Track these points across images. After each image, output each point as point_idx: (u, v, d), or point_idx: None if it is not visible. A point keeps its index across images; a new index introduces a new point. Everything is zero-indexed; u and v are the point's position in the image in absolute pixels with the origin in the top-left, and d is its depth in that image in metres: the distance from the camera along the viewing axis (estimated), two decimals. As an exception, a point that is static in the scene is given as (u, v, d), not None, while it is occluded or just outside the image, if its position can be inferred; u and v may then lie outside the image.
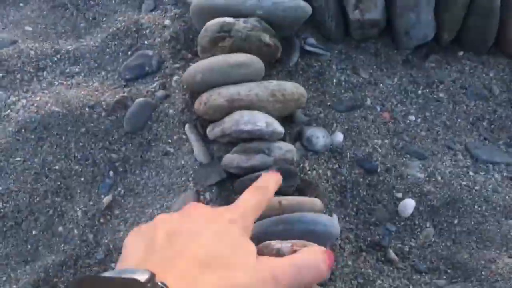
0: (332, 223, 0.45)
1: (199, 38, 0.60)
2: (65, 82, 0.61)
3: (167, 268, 0.29)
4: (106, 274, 0.27)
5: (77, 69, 0.63)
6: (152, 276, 0.26)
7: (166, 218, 0.36)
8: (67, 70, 0.63)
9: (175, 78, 0.61)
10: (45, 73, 0.62)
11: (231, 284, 0.30)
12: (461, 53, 0.67)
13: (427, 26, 0.62)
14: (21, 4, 0.72)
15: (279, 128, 0.50)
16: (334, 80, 0.63)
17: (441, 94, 0.63)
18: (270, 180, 0.42)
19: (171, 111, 0.58)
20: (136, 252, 0.32)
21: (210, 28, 0.57)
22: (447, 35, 0.66)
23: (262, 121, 0.50)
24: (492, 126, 0.62)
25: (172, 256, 0.30)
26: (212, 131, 0.53)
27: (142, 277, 0.26)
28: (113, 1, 0.72)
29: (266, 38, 0.57)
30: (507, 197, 0.54)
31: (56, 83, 0.61)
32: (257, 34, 0.56)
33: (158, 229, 0.34)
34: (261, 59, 0.57)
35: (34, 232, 0.52)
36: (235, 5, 0.57)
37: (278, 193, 0.45)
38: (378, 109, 0.62)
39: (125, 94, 0.58)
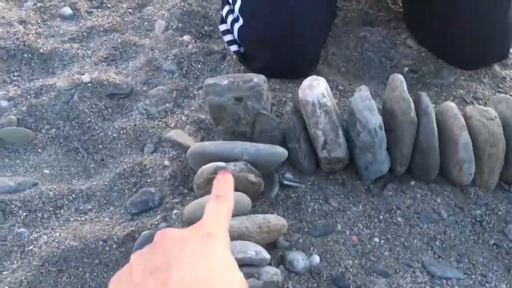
0: None
1: (195, 178, 0.72)
2: (79, 219, 0.71)
3: None
4: None
5: (89, 206, 0.74)
6: None
7: (139, 256, 0.33)
8: (81, 208, 0.73)
9: (174, 211, 0.72)
10: (62, 211, 0.72)
11: None
12: (413, 182, 0.80)
13: (381, 163, 0.76)
14: (39, 150, 0.84)
15: (266, 255, 0.60)
16: (309, 209, 0.74)
17: (399, 219, 0.75)
18: (225, 185, 0.42)
19: (172, 241, 0.68)
20: None
21: (205, 171, 0.69)
22: (400, 168, 0.80)
23: (252, 250, 0.60)
24: (444, 245, 0.73)
25: None
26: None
27: None
28: (119, 145, 0.85)
29: (252, 177, 0.70)
30: (461, 308, 0.64)
31: (72, 219, 0.71)
32: (244, 175, 0.69)
33: (133, 270, 0.32)
34: (248, 194, 0.69)
35: None
36: (225, 152, 0.70)
37: None
38: (348, 233, 0.73)
39: (133, 228, 0.68)
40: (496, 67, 1.09)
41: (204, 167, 0.70)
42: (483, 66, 1.07)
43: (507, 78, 1.06)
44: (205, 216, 0.38)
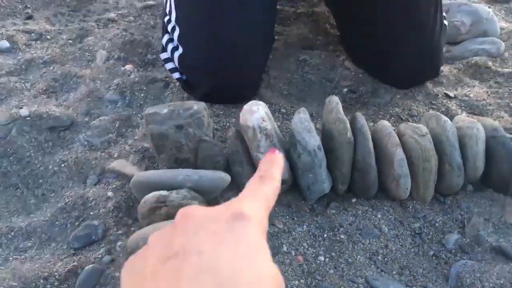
0: None
1: (139, 208, 0.71)
2: (19, 257, 0.69)
3: None
4: None
5: (29, 244, 0.71)
6: None
7: (157, 237, 0.29)
8: (21, 245, 0.71)
9: (119, 243, 0.71)
10: (0, 250, 0.70)
11: None
12: (354, 199, 0.83)
13: (322, 183, 0.79)
14: (-24, 188, 0.81)
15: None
16: (255, 232, 0.75)
17: (342, 236, 0.77)
18: (272, 165, 0.35)
19: (117, 273, 0.67)
20: None
21: (148, 200, 0.69)
22: (341, 187, 0.82)
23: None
24: (386, 259, 0.76)
25: None
26: None
27: None
28: (61, 179, 0.83)
29: (196, 204, 0.70)
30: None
31: (11, 258, 0.68)
32: (188, 202, 0.69)
33: (148, 256, 0.27)
34: (192, 221, 0.69)
35: None
36: (167, 180, 0.71)
37: None
38: (293, 253, 0.74)
39: (75, 263, 0.67)
40: (429, 85, 1.15)
41: (147, 196, 0.70)
42: (416, 85, 1.12)
43: (439, 95, 1.12)
44: (242, 196, 0.31)
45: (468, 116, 1.04)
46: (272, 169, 0.35)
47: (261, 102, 0.80)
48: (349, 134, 0.78)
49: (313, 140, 0.76)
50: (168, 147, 0.76)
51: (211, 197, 0.75)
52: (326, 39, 1.29)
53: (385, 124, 0.82)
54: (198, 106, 0.75)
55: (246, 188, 0.33)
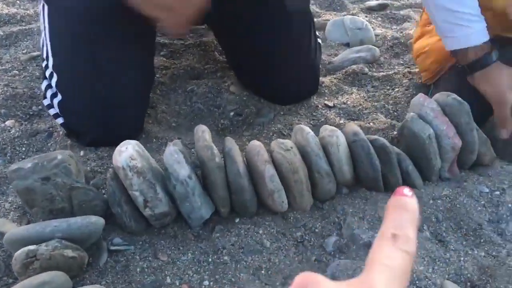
0: None
1: (12, 266, 0.71)
2: None
3: None
4: None
5: None
6: None
7: None
8: None
9: (-3, 305, 0.70)
10: None
11: None
12: (237, 219, 0.86)
13: (199, 209, 0.81)
14: None
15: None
16: (138, 269, 0.77)
17: (225, 257, 0.80)
18: (404, 214, 0.28)
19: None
20: None
21: (18, 257, 0.69)
22: (223, 210, 0.85)
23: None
24: (269, 272, 0.79)
25: None
26: None
27: None
28: None
29: (69, 252, 0.71)
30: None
31: None
32: (60, 252, 0.70)
33: None
34: (71, 270, 0.70)
35: None
36: (37, 234, 0.71)
37: None
38: (178, 283, 0.76)
39: None
40: (312, 98, 1.22)
41: (16, 253, 0.70)
42: (299, 100, 1.19)
43: (319, 106, 1.19)
44: (374, 266, 0.26)
45: (346, 122, 1.12)
46: (406, 223, 0.28)
47: (132, 141, 0.83)
48: (218, 159, 0.82)
49: (183, 171, 0.79)
50: (38, 200, 0.76)
51: (89, 243, 0.76)
52: (214, 66, 1.34)
53: (254, 143, 0.87)
54: (62, 155, 0.76)
55: (377, 250, 0.27)
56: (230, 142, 0.85)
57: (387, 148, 0.90)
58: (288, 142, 0.86)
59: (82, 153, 0.99)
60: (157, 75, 1.28)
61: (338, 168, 0.87)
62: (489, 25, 0.99)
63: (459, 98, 0.93)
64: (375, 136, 0.93)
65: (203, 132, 0.83)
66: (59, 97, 0.98)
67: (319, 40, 1.24)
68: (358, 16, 1.66)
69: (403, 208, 0.29)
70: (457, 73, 1.10)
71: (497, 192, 0.92)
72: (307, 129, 0.88)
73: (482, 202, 0.90)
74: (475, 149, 0.94)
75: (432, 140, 0.90)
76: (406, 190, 0.30)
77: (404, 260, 0.26)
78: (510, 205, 0.89)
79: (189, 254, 0.81)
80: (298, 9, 1.12)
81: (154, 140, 1.06)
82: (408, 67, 1.36)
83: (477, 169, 0.98)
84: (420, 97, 0.96)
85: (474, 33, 0.98)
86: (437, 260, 0.80)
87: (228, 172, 0.82)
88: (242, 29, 1.13)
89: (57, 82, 0.98)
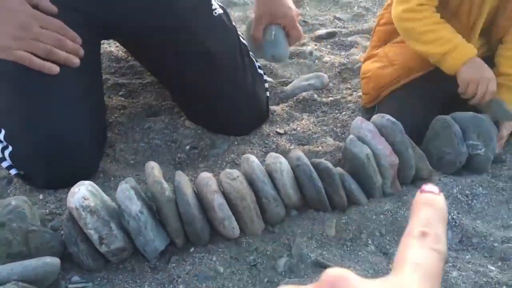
0: None
1: (-28, 312, 0.73)
2: None
3: None
4: None
5: None
6: None
7: None
8: None
9: None
10: None
11: None
12: (192, 249, 0.91)
13: (153, 241, 0.85)
14: None
15: None
16: (96, 305, 0.80)
17: (180, 286, 0.84)
18: (432, 211, 0.27)
19: None
20: None
21: (-25, 302, 0.72)
22: (178, 240, 0.89)
23: None
24: (223, 296, 0.83)
25: None
26: None
27: None
28: None
29: (26, 294, 0.74)
30: None
31: None
32: (17, 294, 0.73)
33: None
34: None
35: None
36: (-7, 278, 0.74)
37: None
38: (134, 315, 0.79)
39: None
40: (264, 126, 1.28)
41: (-27, 299, 0.72)
42: (247, 131, 1.24)
43: (271, 133, 1.25)
44: (405, 265, 0.24)
45: (296, 148, 1.18)
46: (434, 220, 0.26)
47: (86, 182, 0.87)
48: (168, 192, 0.86)
49: (135, 206, 0.84)
50: (-5, 246, 0.79)
51: (47, 283, 0.79)
52: (171, 103, 1.39)
53: (203, 175, 0.92)
54: (16, 201, 0.80)
55: (405, 249, 0.25)
56: (179, 176, 0.90)
57: (330, 170, 0.96)
58: (235, 172, 0.91)
59: (41, 196, 1.02)
60: (115, 115, 1.33)
61: (284, 192, 0.92)
62: None
63: (393, 119, 1.00)
64: (320, 160, 0.99)
65: (152, 169, 0.88)
66: (10, 148, 1.00)
67: (261, 71, 1.31)
68: (308, 45, 1.75)
69: (431, 205, 0.27)
70: (397, 97, 1.20)
71: (435, 203, 0.98)
72: (252, 158, 0.94)
73: (422, 214, 0.96)
74: (412, 164, 1.01)
75: (370, 159, 0.97)
76: (432, 187, 0.28)
77: (436, 260, 0.25)
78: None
79: (146, 286, 0.84)
80: (224, 48, 1.20)
81: (112, 178, 1.10)
82: (355, 91, 1.44)
83: (417, 183, 1.05)
84: (358, 120, 1.03)
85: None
86: (380, 272, 0.86)
87: (178, 204, 0.87)
88: (172, 73, 1.22)
89: (5, 135, 1.00)
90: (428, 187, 0.28)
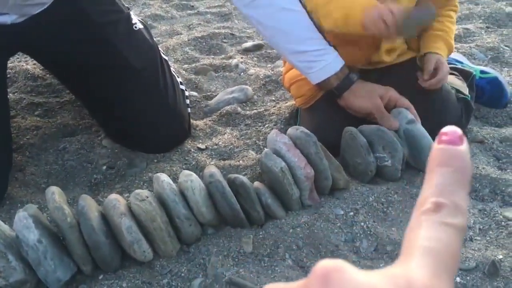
0: None
1: None
2: None
3: None
4: None
5: None
6: None
7: None
8: None
9: None
10: None
11: None
12: (101, 276, 0.86)
13: (54, 272, 0.80)
14: None
15: None
16: None
17: (86, 317, 0.79)
18: (458, 175, 0.21)
19: None
20: None
21: None
22: (85, 267, 0.84)
23: None
24: (133, 324, 0.79)
25: None
26: None
27: None
28: None
29: None
30: None
31: None
32: None
33: None
34: None
35: None
36: None
37: None
38: None
39: None
40: (186, 142, 1.25)
41: None
42: (168, 149, 1.21)
43: (192, 149, 1.22)
44: (413, 250, 0.20)
45: (214, 163, 1.15)
46: (453, 185, 0.21)
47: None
48: (70, 218, 0.82)
49: (32, 235, 0.78)
50: None
51: None
52: (90, 121, 1.34)
53: (110, 197, 0.88)
54: None
55: (414, 227, 0.21)
56: (83, 200, 0.85)
57: (246, 185, 0.94)
58: (144, 192, 0.88)
59: None
60: (27, 137, 1.26)
61: (197, 210, 0.90)
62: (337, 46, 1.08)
63: (307, 131, 1.00)
64: (236, 175, 0.97)
65: (52, 194, 0.83)
66: None
67: (182, 87, 1.28)
68: (235, 57, 1.74)
69: (449, 164, 0.21)
70: (318, 109, 1.20)
71: (351, 213, 0.99)
72: (163, 176, 0.91)
73: (338, 224, 0.96)
74: (328, 175, 1.01)
75: (285, 172, 0.96)
76: (454, 130, 0.21)
77: (453, 239, 0.20)
78: (362, 223, 0.97)
79: (49, 319, 0.79)
80: (145, 61, 1.18)
81: (19, 204, 1.03)
82: (278, 103, 1.44)
83: (334, 193, 1.05)
84: (274, 133, 1.02)
85: (329, 64, 1.06)
86: (295, 286, 0.84)
87: (82, 230, 0.82)
88: (91, 89, 1.19)
89: None
90: (450, 130, 0.22)
